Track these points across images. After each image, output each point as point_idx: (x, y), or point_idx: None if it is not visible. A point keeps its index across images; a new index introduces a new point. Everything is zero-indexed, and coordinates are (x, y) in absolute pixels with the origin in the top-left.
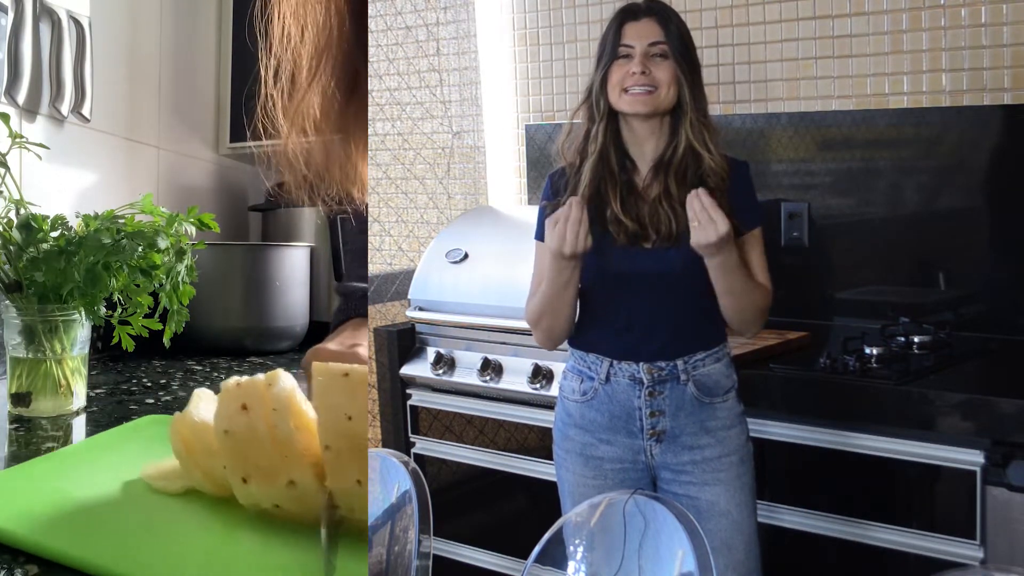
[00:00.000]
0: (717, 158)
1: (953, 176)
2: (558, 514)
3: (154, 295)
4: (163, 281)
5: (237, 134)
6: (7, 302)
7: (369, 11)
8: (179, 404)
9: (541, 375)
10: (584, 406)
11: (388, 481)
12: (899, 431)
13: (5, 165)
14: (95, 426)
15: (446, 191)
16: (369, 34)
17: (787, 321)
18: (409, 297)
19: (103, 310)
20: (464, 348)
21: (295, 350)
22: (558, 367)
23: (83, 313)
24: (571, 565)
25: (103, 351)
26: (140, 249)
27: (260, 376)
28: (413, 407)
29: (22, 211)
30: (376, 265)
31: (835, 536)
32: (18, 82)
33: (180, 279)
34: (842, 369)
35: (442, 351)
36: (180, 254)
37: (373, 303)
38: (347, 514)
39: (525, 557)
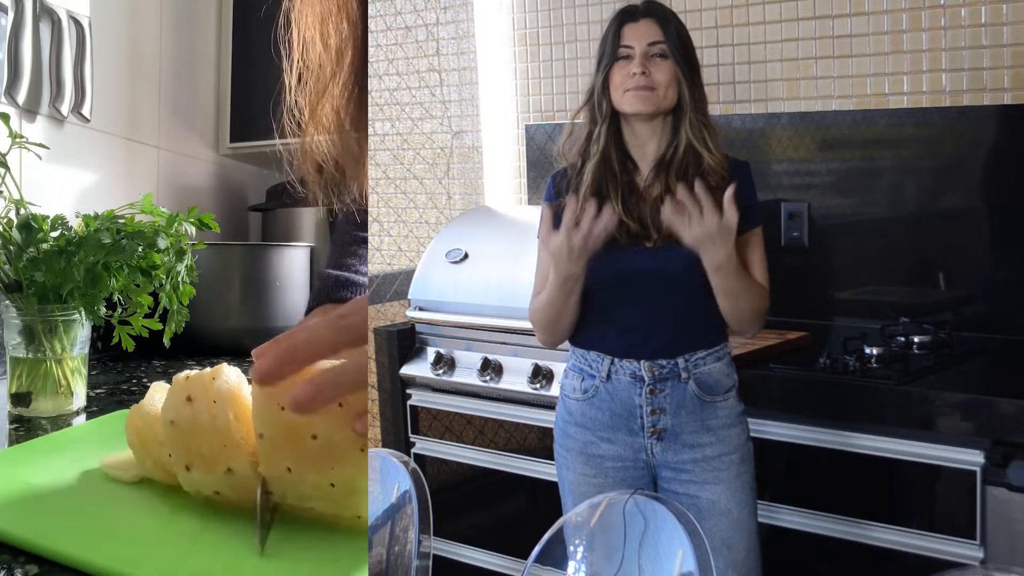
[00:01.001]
0: (717, 157)
1: (953, 176)
2: (558, 514)
3: (154, 295)
4: (163, 281)
5: (237, 134)
6: (7, 302)
7: (369, 11)
8: None
9: (541, 375)
10: (585, 404)
11: (388, 481)
12: (899, 431)
13: (5, 165)
14: None
15: (446, 191)
16: (369, 34)
17: (787, 321)
18: (409, 297)
19: (103, 310)
20: (464, 348)
21: None
22: (558, 367)
23: (83, 313)
24: (571, 565)
25: (103, 351)
26: (140, 249)
27: (207, 370)
28: (413, 407)
29: (22, 211)
30: (376, 265)
31: (835, 536)
32: (18, 82)
33: (180, 279)
34: (842, 369)
35: (442, 351)
36: (180, 254)
37: (373, 303)
38: (280, 500)
39: (525, 557)
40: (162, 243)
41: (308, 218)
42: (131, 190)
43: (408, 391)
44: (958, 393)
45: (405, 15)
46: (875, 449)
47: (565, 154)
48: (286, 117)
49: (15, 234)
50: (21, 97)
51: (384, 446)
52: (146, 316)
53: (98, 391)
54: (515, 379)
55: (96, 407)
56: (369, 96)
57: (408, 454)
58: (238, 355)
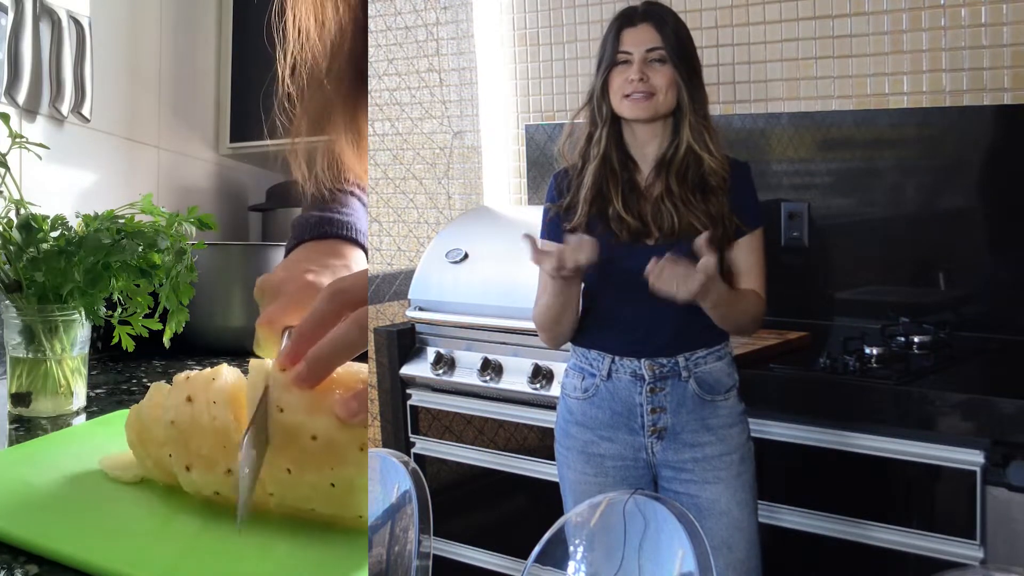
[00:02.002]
0: (718, 158)
1: (953, 176)
2: (558, 514)
3: (154, 295)
4: (163, 281)
5: (237, 134)
6: (7, 302)
7: (369, 11)
8: None
9: (541, 375)
10: (586, 403)
11: (388, 481)
12: (899, 431)
13: (5, 165)
14: None
15: (446, 191)
16: (369, 34)
17: (787, 321)
18: (409, 297)
19: (103, 310)
20: (464, 348)
21: None
22: (558, 367)
23: (83, 313)
24: (571, 565)
25: (103, 351)
26: (140, 249)
27: (207, 370)
28: (413, 407)
29: (22, 211)
30: (376, 265)
31: (835, 536)
32: (18, 82)
33: (180, 279)
34: (842, 369)
35: (442, 351)
36: (180, 254)
37: (373, 303)
38: (279, 501)
39: (525, 557)
40: (162, 243)
41: None
42: (131, 190)
43: (408, 391)
44: (958, 393)
45: (405, 15)
46: (875, 449)
47: (566, 155)
48: (276, 109)
49: (15, 234)
50: (21, 97)
51: (384, 446)
52: (146, 316)
53: (98, 391)
54: (515, 379)
55: (96, 407)
56: (369, 96)
57: (408, 454)
58: (238, 355)
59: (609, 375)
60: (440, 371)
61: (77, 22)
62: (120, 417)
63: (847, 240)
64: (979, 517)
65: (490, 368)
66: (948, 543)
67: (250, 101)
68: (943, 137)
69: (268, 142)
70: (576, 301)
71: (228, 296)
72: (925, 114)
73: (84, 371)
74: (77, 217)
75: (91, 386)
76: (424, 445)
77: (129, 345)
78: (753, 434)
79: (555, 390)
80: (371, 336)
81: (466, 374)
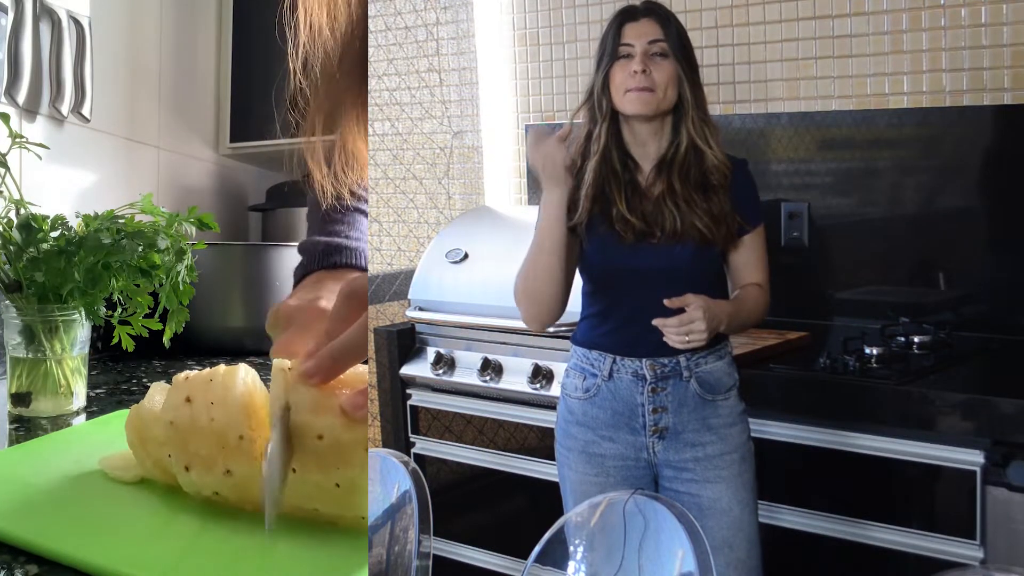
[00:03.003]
0: (719, 155)
1: (953, 176)
2: (558, 514)
3: (154, 295)
4: (163, 281)
5: (237, 134)
6: (7, 302)
7: (369, 11)
8: None
9: (541, 375)
10: (587, 403)
11: (388, 481)
12: (899, 431)
13: (5, 165)
14: None
15: (445, 191)
16: (369, 34)
17: (787, 321)
18: (409, 297)
19: (103, 310)
20: (464, 348)
21: None
22: (558, 367)
23: (83, 313)
24: (571, 565)
25: (103, 351)
26: (140, 249)
27: (207, 370)
28: (413, 407)
29: (22, 211)
30: (376, 265)
31: (835, 536)
32: (18, 82)
33: (180, 279)
34: (842, 369)
35: (442, 351)
36: (180, 254)
37: (373, 303)
38: (282, 500)
39: (525, 557)
40: (162, 243)
41: None
42: (131, 190)
43: (408, 391)
44: (958, 393)
45: (405, 15)
46: (875, 449)
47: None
48: (288, 105)
49: (15, 234)
50: (21, 97)
51: (384, 446)
52: (146, 316)
53: (98, 391)
54: (515, 379)
55: (96, 407)
56: (369, 95)
57: (408, 454)
58: (238, 355)
59: (610, 375)
60: (440, 371)
61: (77, 22)
62: (120, 417)
63: (847, 240)
64: (979, 517)
65: (490, 368)
66: (948, 543)
67: (250, 101)
68: (943, 137)
69: (268, 142)
70: (560, 260)
71: (228, 296)
72: (925, 114)
73: (84, 371)
74: (77, 217)
75: (91, 386)
76: (424, 445)
77: (129, 345)
78: (753, 434)
79: (555, 390)
80: (371, 336)
81: (466, 374)
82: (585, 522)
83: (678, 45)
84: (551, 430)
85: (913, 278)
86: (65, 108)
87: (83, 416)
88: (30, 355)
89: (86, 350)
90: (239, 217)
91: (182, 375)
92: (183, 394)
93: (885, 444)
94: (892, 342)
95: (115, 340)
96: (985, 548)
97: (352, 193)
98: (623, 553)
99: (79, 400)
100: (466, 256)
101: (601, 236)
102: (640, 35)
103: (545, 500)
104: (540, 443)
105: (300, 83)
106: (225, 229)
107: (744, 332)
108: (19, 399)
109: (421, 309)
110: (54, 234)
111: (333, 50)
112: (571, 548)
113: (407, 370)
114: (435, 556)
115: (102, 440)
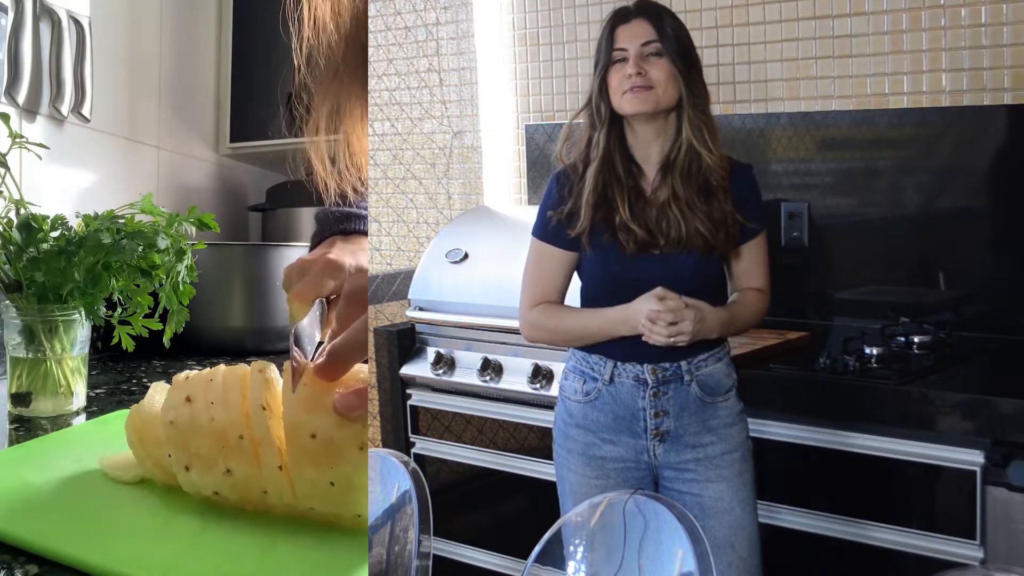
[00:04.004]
0: (716, 156)
1: (953, 176)
2: (558, 514)
3: (154, 295)
4: (163, 281)
5: (237, 134)
6: (7, 302)
7: (369, 11)
8: None
9: (541, 375)
10: (587, 406)
11: (388, 481)
12: (899, 431)
13: (5, 165)
14: None
15: (445, 191)
16: (369, 34)
17: (787, 321)
18: (409, 297)
19: (103, 310)
20: (464, 348)
21: None
22: (558, 367)
23: (83, 313)
24: (571, 565)
25: (103, 351)
26: (140, 249)
27: (207, 370)
28: (413, 407)
29: (22, 211)
30: (376, 265)
31: (835, 536)
32: (18, 82)
33: (180, 279)
34: (842, 369)
35: (442, 351)
36: (180, 254)
37: (373, 303)
38: (277, 500)
39: (525, 557)
40: (162, 243)
41: (308, 218)
42: (131, 190)
43: (408, 391)
44: (958, 393)
45: (405, 15)
46: (875, 449)
47: (563, 158)
48: (293, 100)
49: (15, 234)
50: (21, 97)
51: (384, 446)
52: (146, 316)
53: (98, 391)
54: (515, 379)
55: (96, 407)
56: (368, 95)
57: (408, 454)
58: (238, 355)
59: (611, 379)
60: (440, 371)
61: (77, 22)
62: (120, 417)
63: (847, 240)
64: (979, 517)
65: (490, 368)
66: (948, 543)
67: (250, 101)
68: (943, 137)
69: (268, 142)
70: None
71: (228, 296)
72: (925, 114)
73: (84, 371)
74: (77, 217)
75: (91, 386)
76: (424, 445)
77: (129, 345)
78: (753, 434)
79: (555, 390)
80: (371, 336)
81: (466, 374)
82: (585, 522)
83: (673, 43)
84: (551, 430)
85: (913, 278)
86: (65, 108)
87: (83, 416)
88: (30, 355)
89: (86, 350)
90: (239, 217)
91: (182, 375)
92: (183, 394)
93: (885, 444)
94: (892, 342)
95: (115, 340)
96: (985, 548)
97: (355, 190)
98: (623, 553)
99: (79, 400)
100: (466, 256)
101: (603, 246)
102: (633, 37)
103: (545, 500)
104: (540, 443)
105: (304, 79)
106: (225, 229)
107: (742, 333)
108: (19, 399)
109: (421, 309)
110: (54, 234)
111: (337, 44)
112: (571, 548)
113: (407, 370)
114: (435, 556)
115: (102, 440)
